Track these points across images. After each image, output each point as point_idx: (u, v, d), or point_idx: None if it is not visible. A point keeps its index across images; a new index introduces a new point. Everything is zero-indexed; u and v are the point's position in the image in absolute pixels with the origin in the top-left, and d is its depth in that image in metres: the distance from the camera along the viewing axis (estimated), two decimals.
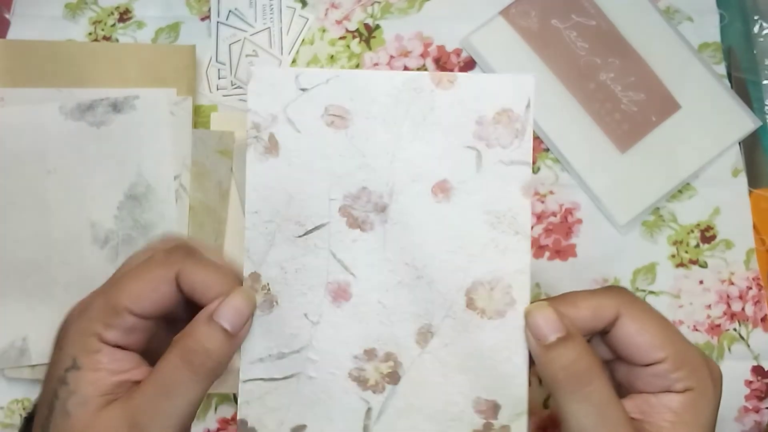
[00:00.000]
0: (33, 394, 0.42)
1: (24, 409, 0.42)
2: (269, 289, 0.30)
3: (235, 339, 0.28)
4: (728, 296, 0.43)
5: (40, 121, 0.43)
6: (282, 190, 0.30)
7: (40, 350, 0.41)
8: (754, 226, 0.44)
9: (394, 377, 0.30)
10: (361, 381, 0.30)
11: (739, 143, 0.45)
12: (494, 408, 0.30)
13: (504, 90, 0.30)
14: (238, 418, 0.30)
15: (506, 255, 0.30)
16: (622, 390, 0.29)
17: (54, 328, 0.41)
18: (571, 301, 0.29)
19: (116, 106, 0.43)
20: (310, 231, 0.30)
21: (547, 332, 0.28)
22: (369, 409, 0.30)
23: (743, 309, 0.43)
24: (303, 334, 0.30)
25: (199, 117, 0.45)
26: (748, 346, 0.43)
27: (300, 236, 0.30)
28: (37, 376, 0.41)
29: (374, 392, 0.30)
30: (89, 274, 0.41)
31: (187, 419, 0.26)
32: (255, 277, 0.30)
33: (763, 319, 0.43)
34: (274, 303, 0.30)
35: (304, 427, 0.30)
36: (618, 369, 0.29)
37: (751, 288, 0.43)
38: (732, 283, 0.43)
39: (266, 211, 0.30)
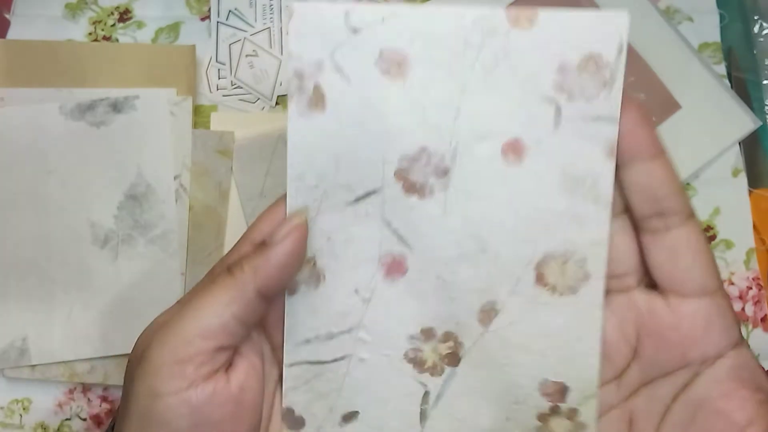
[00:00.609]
0: (33, 394, 0.42)
1: (24, 409, 0.42)
2: (315, 263, 0.26)
3: (273, 248, 0.24)
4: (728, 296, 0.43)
5: (40, 121, 0.43)
6: (329, 151, 0.26)
7: (40, 350, 0.41)
8: (754, 226, 0.44)
9: (453, 358, 0.27)
10: (418, 363, 0.27)
11: (739, 143, 0.45)
12: (562, 390, 0.27)
13: (593, 31, 0.25)
14: (283, 405, 0.27)
15: (583, 225, 0.26)
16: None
17: (54, 328, 0.41)
18: None
19: (116, 106, 0.43)
20: (362, 197, 0.26)
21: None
22: (426, 393, 0.28)
23: (743, 309, 0.43)
24: (353, 312, 0.27)
25: (199, 117, 0.45)
26: (748, 346, 0.43)
27: (350, 203, 0.26)
28: (36, 376, 0.41)
29: (432, 375, 0.27)
30: (89, 275, 0.41)
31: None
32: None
33: (763, 319, 0.43)
34: (321, 278, 0.27)
35: (356, 413, 0.27)
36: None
37: (751, 288, 0.43)
38: (732, 283, 0.44)
39: (311, 174, 0.26)
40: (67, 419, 0.41)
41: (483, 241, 0.26)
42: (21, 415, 0.42)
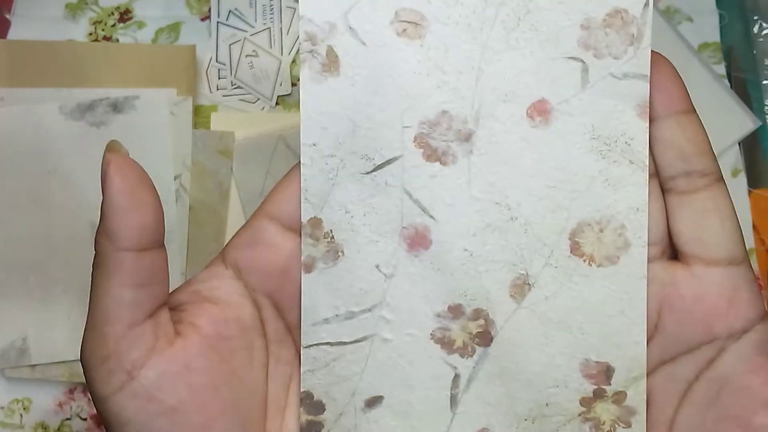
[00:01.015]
0: (33, 393, 0.42)
1: (24, 408, 0.42)
2: (333, 237, 0.25)
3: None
4: None
5: (40, 121, 0.43)
6: (345, 117, 0.24)
7: (41, 350, 0.41)
8: (754, 226, 0.44)
9: (485, 338, 0.25)
10: (446, 343, 0.25)
11: (739, 143, 0.45)
12: (606, 371, 0.25)
13: None
14: (301, 389, 0.25)
15: (618, 189, 0.24)
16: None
17: (55, 328, 0.41)
18: None
19: (116, 106, 0.43)
20: (380, 166, 0.25)
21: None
22: (456, 376, 0.25)
23: None
24: (375, 289, 0.25)
25: (200, 117, 0.45)
26: None
27: (368, 173, 0.25)
28: (37, 376, 0.41)
29: (462, 356, 0.25)
30: (89, 275, 0.41)
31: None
32: (315, 222, 0.25)
33: None
34: (340, 253, 0.25)
35: (380, 398, 0.26)
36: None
37: None
38: None
39: (326, 142, 0.24)
40: (67, 419, 0.41)
41: (511, 209, 0.25)
42: (21, 415, 0.42)
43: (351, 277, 0.25)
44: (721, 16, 0.48)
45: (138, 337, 0.21)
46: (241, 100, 0.46)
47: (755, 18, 0.49)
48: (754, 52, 0.48)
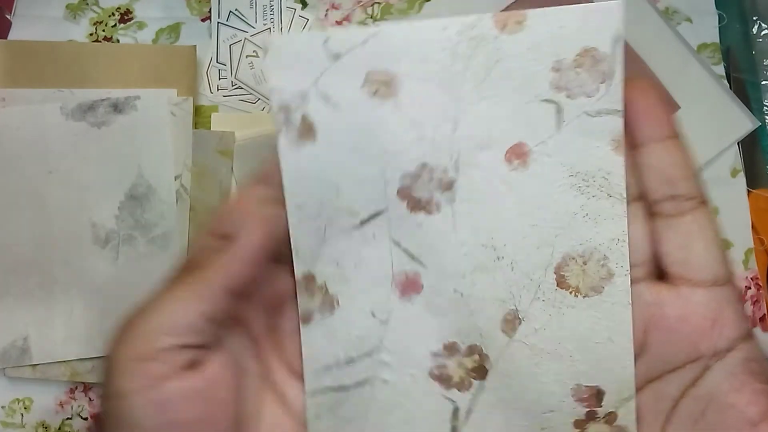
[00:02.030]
0: (34, 393, 0.42)
1: (25, 408, 0.42)
2: (327, 290, 0.26)
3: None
4: None
5: (41, 122, 0.43)
6: (327, 179, 0.25)
7: (41, 350, 0.41)
8: (753, 226, 0.45)
9: (481, 371, 0.26)
10: (444, 379, 0.26)
11: (738, 143, 0.45)
12: (597, 394, 0.26)
13: (585, 25, 0.24)
14: None
15: (599, 223, 0.25)
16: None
17: (55, 328, 0.41)
18: None
19: (117, 107, 0.43)
20: (366, 220, 0.26)
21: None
22: (456, 409, 0.27)
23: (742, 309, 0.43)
24: (372, 334, 0.26)
25: (200, 117, 0.45)
26: (756, 338, 0.43)
27: (355, 227, 0.25)
28: (38, 376, 0.41)
29: (460, 390, 0.26)
30: (90, 275, 0.42)
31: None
32: (309, 278, 0.26)
33: (762, 319, 0.43)
34: (335, 304, 0.26)
35: None
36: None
37: (750, 288, 0.44)
38: None
39: (311, 203, 0.25)
40: (68, 418, 0.41)
41: (497, 250, 0.25)
42: (22, 415, 0.42)
43: (348, 325, 0.26)
44: (720, 17, 0.48)
45: (179, 354, 0.22)
46: (241, 100, 0.46)
47: (754, 18, 0.49)
48: (753, 52, 0.48)
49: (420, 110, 0.25)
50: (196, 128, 0.44)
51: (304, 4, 0.47)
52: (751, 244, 0.44)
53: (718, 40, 0.47)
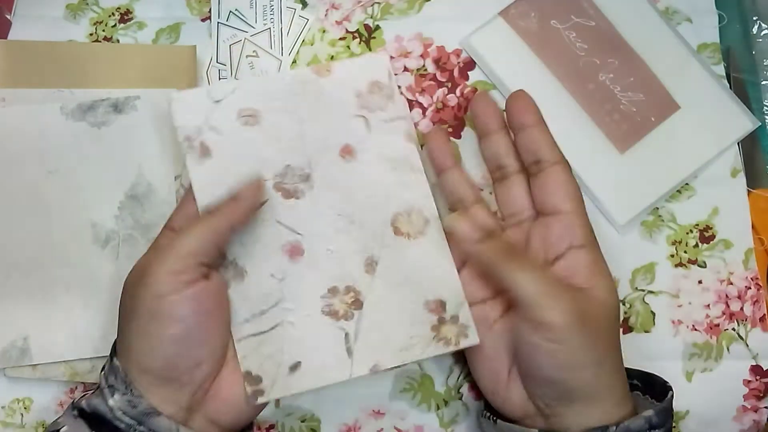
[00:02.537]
0: (34, 393, 0.42)
1: (25, 408, 0.42)
2: (237, 263, 0.36)
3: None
4: (727, 296, 0.43)
5: (41, 122, 0.43)
6: (223, 184, 0.36)
7: (42, 350, 0.41)
8: (753, 226, 0.45)
9: (357, 304, 0.37)
10: (333, 314, 0.36)
11: (738, 143, 0.45)
12: (441, 304, 0.37)
13: (370, 68, 0.40)
14: (242, 371, 0.35)
15: (411, 188, 0.38)
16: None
17: (55, 328, 0.41)
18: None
19: (117, 107, 0.43)
20: (257, 208, 0.36)
21: (473, 232, 0.35)
22: (347, 334, 0.36)
23: (742, 309, 0.43)
24: (274, 291, 0.36)
25: None
26: (747, 345, 0.43)
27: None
28: (38, 376, 0.41)
29: (346, 320, 0.36)
30: (90, 274, 0.42)
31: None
32: (223, 256, 0.36)
33: (761, 319, 0.43)
34: (244, 272, 0.36)
35: (298, 363, 0.36)
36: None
37: (749, 288, 0.44)
38: (731, 283, 0.44)
39: (215, 203, 0.35)
40: None
41: (349, 216, 0.37)
42: (22, 415, 0.42)
43: (256, 286, 0.36)
44: (720, 17, 0.48)
45: (199, 269, 0.34)
46: None
47: (754, 18, 0.49)
48: (753, 52, 0.48)
49: (278, 131, 0.38)
50: None
51: (304, 4, 0.47)
52: (751, 244, 0.44)
53: (718, 40, 0.47)
